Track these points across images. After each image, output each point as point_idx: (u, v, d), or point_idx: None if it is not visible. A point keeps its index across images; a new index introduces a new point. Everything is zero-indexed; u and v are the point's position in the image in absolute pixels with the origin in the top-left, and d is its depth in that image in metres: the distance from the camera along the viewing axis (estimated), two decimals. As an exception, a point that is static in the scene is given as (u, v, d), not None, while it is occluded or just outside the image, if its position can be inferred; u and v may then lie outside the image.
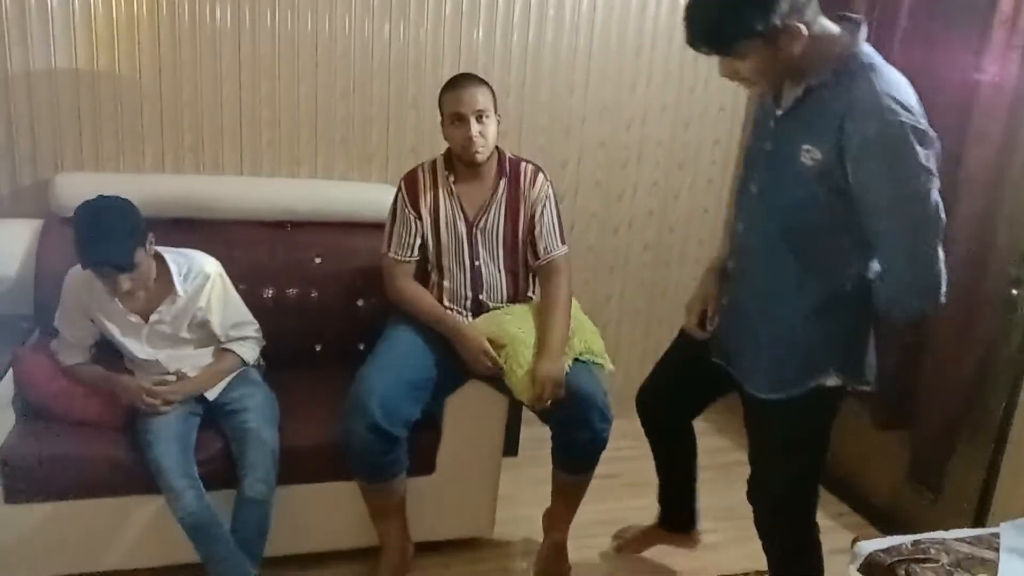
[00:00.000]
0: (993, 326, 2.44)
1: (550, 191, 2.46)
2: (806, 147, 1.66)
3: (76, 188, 2.56)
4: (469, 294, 2.44)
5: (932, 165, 1.59)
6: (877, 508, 2.95)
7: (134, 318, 2.29)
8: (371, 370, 2.32)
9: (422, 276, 2.51)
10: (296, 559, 2.43)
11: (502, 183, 2.41)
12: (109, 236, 2.11)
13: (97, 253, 2.11)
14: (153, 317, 2.30)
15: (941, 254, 1.62)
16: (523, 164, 2.46)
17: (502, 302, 2.46)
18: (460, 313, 2.45)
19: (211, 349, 2.41)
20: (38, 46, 2.59)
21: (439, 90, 2.39)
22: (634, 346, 3.55)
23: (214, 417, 2.34)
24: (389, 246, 2.46)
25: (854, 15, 1.70)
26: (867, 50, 1.66)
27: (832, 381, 1.84)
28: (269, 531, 2.24)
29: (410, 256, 2.45)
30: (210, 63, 2.76)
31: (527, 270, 2.50)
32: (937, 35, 2.62)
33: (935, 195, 1.60)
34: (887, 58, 2.68)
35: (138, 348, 2.32)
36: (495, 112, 2.36)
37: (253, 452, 2.23)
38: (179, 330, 2.34)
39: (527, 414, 2.41)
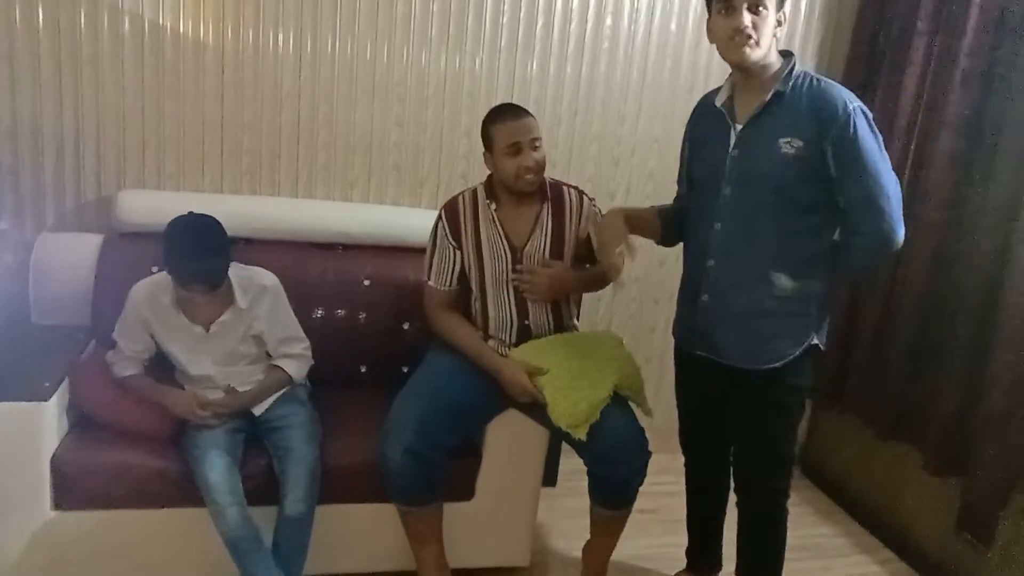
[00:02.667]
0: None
1: (596, 207, 2.48)
2: (785, 139, 1.99)
3: (137, 205, 2.66)
4: (515, 321, 2.44)
5: (879, 136, 2.00)
6: (924, 556, 2.87)
7: (196, 328, 2.35)
8: (409, 395, 2.34)
9: (466, 303, 2.52)
10: (333, 579, 2.45)
11: (545, 207, 2.42)
12: (207, 254, 2.22)
13: (196, 270, 2.21)
14: (213, 328, 2.35)
15: (899, 205, 2.00)
16: (565, 188, 2.47)
17: (547, 329, 2.46)
18: (503, 342, 2.45)
19: (261, 366, 2.45)
20: (108, 66, 2.69)
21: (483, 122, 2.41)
22: (678, 380, 3.51)
23: (258, 434, 2.37)
24: (429, 275, 2.49)
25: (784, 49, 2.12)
26: (802, 68, 2.08)
27: (816, 340, 2.15)
28: (308, 549, 2.26)
29: (449, 286, 2.47)
30: (271, 87, 2.83)
31: (571, 296, 2.51)
32: (996, 77, 2.60)
33: (888, 160, 2.01)
34: (945, 97, 2.67)
35: (194, 363, 2.37)
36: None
37: (294, 471, 2.25)
38: (235, 342, 2.38)
39: (567, 445, 2.40)
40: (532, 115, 2.37)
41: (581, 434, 2.25)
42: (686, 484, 2.57)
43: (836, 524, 3.17)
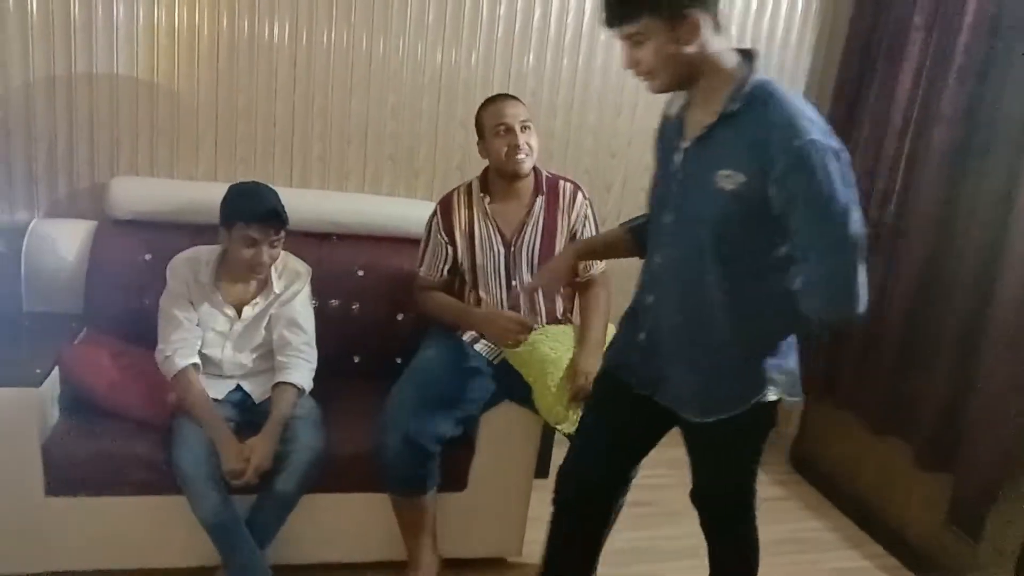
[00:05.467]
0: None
1: (589, 211, 2.48)
2: (725, 172, 1.65)
3: (131, 192, 2.65)
4: None
5: (849, 180, 1.61)
6: (914, 551, 2.88)
7: (229, 311, 2.37)
8: (406, 385, 2.34)
9: (460, 296, 2.53)
10: (324, 568, 2.44)
11: (539, 201, 2.43)
12: (273, 198, 2.33)
13: (267, 205, 2.29)
14: (246, 311, 2.37)
15: (862, 268, 1.63)
16: (562, 182, 2.47)
17: (540, 322, 2.46)
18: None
19: (269, 363, 2.43)
20: (102, 53, 2.67)
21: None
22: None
23: (257, 420, 2.31)
24: (421, 265, 2.53)
25: (747, 47, 1.74)
26: (767, 79, 1.68)
27: (771, 396, 1.81)
28: (280, 530, 2.27)
29: (439, 277, 2.51)
30: (266, 77, 2.82)
31: (565, 289, 2.51)
32: (990, 73, 2.61)
33: (855, 210, 1.62)
34: (940, 93, 2.66)
35: (213, 344, 2.37)
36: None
37: (297, 455, 2.24)
38: (259, 329, 2.40)
39: (560, 437, 2.40)
40: (524, 103, 2.41)
41: (569, 429, 2.25)
42: (550, 531, 2.19)
43: (826, 518, 3.18)
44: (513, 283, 2.43)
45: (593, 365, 2.24)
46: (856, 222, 1.61)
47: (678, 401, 1.88)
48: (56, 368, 2.28)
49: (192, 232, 2.59)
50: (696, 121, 1.74)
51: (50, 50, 2.63)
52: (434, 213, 2.50)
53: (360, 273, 2.76)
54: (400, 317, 2.76)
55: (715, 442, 1.91)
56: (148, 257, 2.58)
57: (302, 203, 2.80)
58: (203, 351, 2.36)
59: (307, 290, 2.48)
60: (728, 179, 1.65)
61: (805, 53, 3.31)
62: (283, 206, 2.33)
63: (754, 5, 3.20)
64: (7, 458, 2.15)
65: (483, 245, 2.43)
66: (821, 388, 3.27)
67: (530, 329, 2.30)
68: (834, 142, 1.61)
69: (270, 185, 2.40)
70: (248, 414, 2.38)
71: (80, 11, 2.62)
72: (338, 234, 2.81)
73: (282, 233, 2.33)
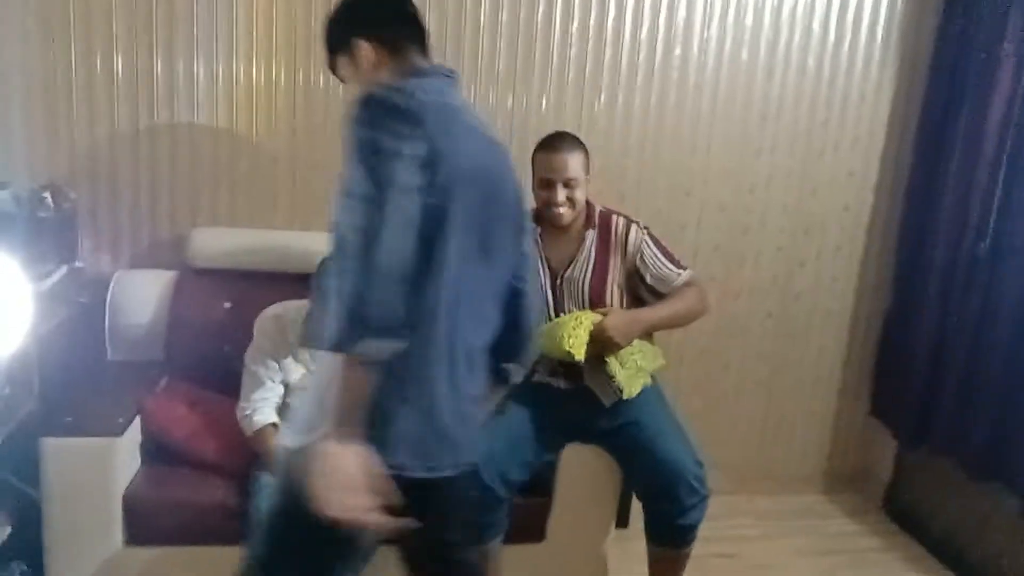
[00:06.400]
0: None
1: (645, 235, 2.40)
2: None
3: (210, 242, 2.70)
4: None
5: (395, 134, 1.36)
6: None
7: (314, 366, 2.35)
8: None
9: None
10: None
11: (590, 234, 2.38)
12: None
13: None
14: None
15: (379, 280, 1.28)
16: (614, 217, 2.42)
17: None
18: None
19: None
20: (183, 109, 2.75)
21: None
22: (753, 418, 3.39)
23: None
24: None
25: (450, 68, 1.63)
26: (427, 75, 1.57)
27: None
28: None
29: None
30: (340, 128, 2.85)
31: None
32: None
33: (371, 184, 1.32)
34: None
35: (301, 398, 2.37)
36: (586, 176, 2.35)
37: None
38: None
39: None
40: (581, 149, 2.34)
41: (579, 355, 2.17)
42: None
43: (927, 571, 2.99)
44: (561, 314, 2.37)
45: (618, 325, 2.21)
46: (377, 203, 1.29)
47: None
48: (138, 417, 2.31)
49: (270, 280, 2.62)
50: None
51: (134, 107, 2.72)
52: None
53: (434, 318, 2.74)
54: (474, 362, 2.73)
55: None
56: (228, 305, 2.61)
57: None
58: (286, 400, 2.37)
59: None
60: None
61: (887, 83, 3.20)
62: None
63: (831, 37, 3.12)
64: (88, 506, 2.17)
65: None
66: (915, 432, 3.11)
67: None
68: (401, 101, 1.37)
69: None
70: None
71: (163, 69, 2.71)
72: (411, 279, 2.81)
73: None
